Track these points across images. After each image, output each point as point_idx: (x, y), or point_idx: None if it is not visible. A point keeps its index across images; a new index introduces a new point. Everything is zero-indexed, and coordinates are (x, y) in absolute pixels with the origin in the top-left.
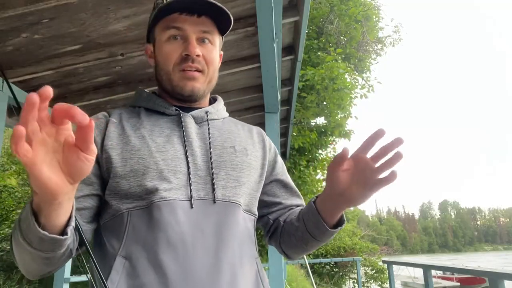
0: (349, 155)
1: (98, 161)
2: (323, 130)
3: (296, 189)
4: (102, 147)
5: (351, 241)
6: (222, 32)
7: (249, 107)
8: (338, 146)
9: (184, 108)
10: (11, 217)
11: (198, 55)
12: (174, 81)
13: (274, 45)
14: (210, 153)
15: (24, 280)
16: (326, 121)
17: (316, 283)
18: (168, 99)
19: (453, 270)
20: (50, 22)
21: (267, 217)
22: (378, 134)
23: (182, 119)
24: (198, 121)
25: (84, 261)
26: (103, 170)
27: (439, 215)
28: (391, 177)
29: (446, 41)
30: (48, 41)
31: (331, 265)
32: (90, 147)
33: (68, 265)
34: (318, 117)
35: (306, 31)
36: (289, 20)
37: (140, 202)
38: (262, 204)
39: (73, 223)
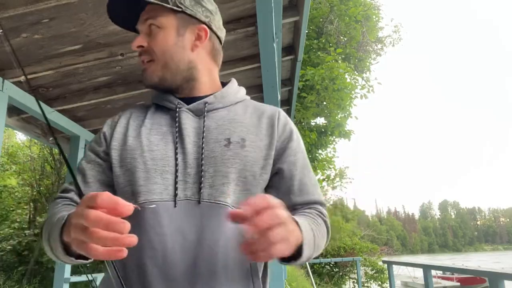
0: None
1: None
2: (323, 130)
3: (305, 182)
4: (109, 147)
5: (351, 241)
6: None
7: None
8: (338, 146)
9: (186, 100)
10: (11, 217)
11: (140, 46)
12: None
13: (274, 45)
14: (202, 149)
15: (24, 280)
16: (326, 121)
17: (316, 283)
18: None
19: (453, 270)
20: (50, 22)
21: None
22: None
23: (177, 114)
24: (198, 114)
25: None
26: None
27: (439, 215)
28: None
29: (446, 39)
30: (48, 41)
31: (331, 265)
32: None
33: (68, 265)
34: (318, 117)
35: (306, 31)
36: (289, 20)
37: (132, 201)
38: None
39: None
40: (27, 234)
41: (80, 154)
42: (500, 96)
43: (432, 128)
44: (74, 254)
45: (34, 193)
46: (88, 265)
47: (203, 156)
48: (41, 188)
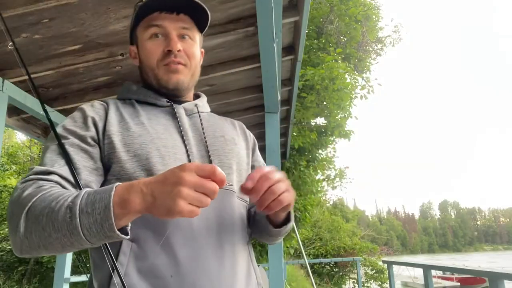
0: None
1: (100, 146)
2: (323, 130)
3: None
4: (104, 133)
5: (351, 241)
6: (201, 29)
7: (249, 107)
8: (338, 146)
9: (173, 102)
10: None
11: (179, 50)
12: (159, 75)
13: (274, 45)
14: (206, 142)
15: (24, 279)
16: (326, 121)
17: (316, 283)
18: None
19: (453, 270)
20: (50, 22)
21: None
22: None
23: (175, 110)
24: (188, 113)
25: (84, 260)
26: (104, 155)
27: (439, 215)
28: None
29: (446, 39)
30: (48, 41)
31: (331, 265)
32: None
33: (68, 265)
34: (318, 117)
35: (306, 31)
36: (289, 20)
37: None
38: None
39: (130, 224)
40: None
41: None
42: (502, 98)
43: (432, 128)
44: (119, 228)
45: None
46: (88, 264)
47: (208, 148)
48: None
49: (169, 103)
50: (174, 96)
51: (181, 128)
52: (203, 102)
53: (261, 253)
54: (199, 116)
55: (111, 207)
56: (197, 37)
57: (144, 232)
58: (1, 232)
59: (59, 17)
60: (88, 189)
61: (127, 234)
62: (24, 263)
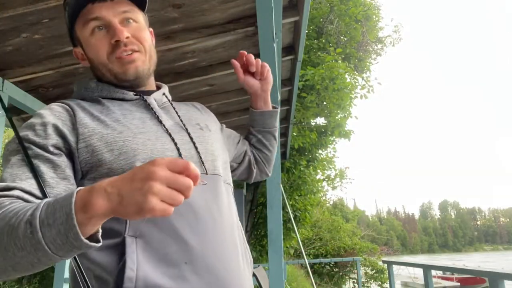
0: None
1: (70, 154)
2: (323, 130)
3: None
4: (76, 137)
5: (351, 241)
6: (141, 7)
7: (248, 107)
8: (338, 146)
9: (141, 93)
10: None
11: (127, 37)
12: (115, 69)
13: (274, 45)
14: (187, 130)
15: (24, 279)
16: (326, 121)
17: (316, 283)
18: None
19: (453, 270)
20: (50, 22)
21: (247, 156)
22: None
23: (148, 101)
24: (160, 104)
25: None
26: (79, 160)
27: (439, 215)
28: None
29: (446, 39)
30: (48, 41)
31: (331, 265)
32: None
33: (68, 265)
34: (318, 117)
35: (306, 31)
36: (289, 20)
37: None
38: (236, 155)
39: (100, 230)
40: None
41: None
42: (502, 96)
43: (432, 128)
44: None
45: None
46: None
47: (191, 135)
48: None
49: (137, 96)
50: (137, 86)
51: (160, 119)
52: (167, 91)
53: (261, 253)
54: (172, 105)
55: (73, 214)
56: (141, 17)
57: (145, 226)
58: None
59: (59, 17)
60: (49, 199)
61: (98, 241)
62: None
